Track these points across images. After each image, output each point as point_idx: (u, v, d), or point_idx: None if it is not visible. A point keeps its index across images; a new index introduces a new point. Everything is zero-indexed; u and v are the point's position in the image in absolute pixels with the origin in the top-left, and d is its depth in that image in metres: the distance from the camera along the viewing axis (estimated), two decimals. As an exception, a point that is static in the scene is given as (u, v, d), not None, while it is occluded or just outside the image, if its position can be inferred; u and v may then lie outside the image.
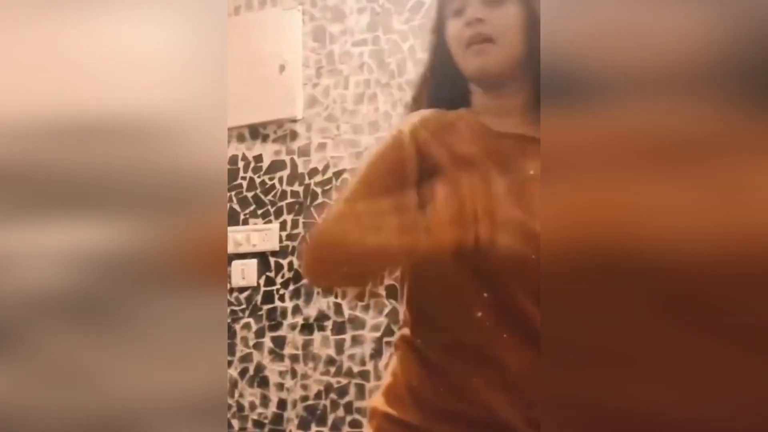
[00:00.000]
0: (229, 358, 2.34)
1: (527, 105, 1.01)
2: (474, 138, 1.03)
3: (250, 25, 2.41)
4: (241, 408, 2.29)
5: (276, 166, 2.39)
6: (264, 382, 2.29)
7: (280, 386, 2.30)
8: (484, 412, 0.97)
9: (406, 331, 1.07)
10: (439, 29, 1.06)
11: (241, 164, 2.41)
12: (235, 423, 2.32)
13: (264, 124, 2.38)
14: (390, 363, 1.09)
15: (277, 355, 2.28)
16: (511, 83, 1.02)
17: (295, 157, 2.37)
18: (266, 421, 2.29)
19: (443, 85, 1.08)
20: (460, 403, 0.99)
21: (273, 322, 2.28)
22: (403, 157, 1.02)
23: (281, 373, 2.29)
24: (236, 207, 2.43)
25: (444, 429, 1.00)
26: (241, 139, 2.42)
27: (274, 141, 2.39)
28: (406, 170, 1.02)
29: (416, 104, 1.10)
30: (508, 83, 1.02)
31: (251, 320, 2.28)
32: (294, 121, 2.38)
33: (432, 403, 1.00)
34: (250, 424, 2.29)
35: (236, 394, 2.34)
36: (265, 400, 2.29)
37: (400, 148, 1.03)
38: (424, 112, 1.06)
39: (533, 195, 0.96)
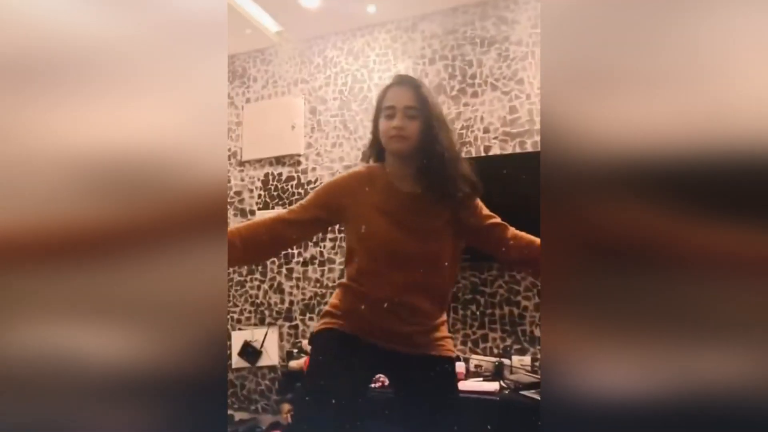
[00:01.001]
0: (262, 278, 3.33)
1: (416, 172, 1.38)
2: (386, 193, 1.36)
3: (277, 104, 3.37)
4: (269, 306, 3.31)
5: (289, 178, 3.35)
6: (281, 291, 3.29)
7: (290, 293, 3.27)
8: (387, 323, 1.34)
9: (345, 280, 1.42)
10: (376, 119, 1.41)
11: (270, 178, 3.39)
12: (266, 313, 3.30)
13: (283, 156, 3.36)
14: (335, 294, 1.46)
15: (289, 277, 3.30)
16: (410, 159, 1.38)
17: (300, 174, 3.33)
18: (283, 312, 3.28)
19: (376, 151, 1.44)
20: (380, 321, 1.35)
21: (286, 260, 3.31)
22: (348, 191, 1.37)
23: (290, 287, 3.27)
24: (268, 200, 3.37)
25: (362, 327, 1.37)
26: (271, 164, 3.38)
27: (289, 165, 3.35)
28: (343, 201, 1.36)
29: (365, 157, 1.47)
30: (407, 159, 1.38)
31: (275, 259, 3.31)
32: (299, 155, 3.33)
33: (360, 314, 1.37)
34: (274, 314, 3.30)
35: (266, 299, 3.30)
36: (282, 301, 3.29)
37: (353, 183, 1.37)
38: (366, 167, 1.41)
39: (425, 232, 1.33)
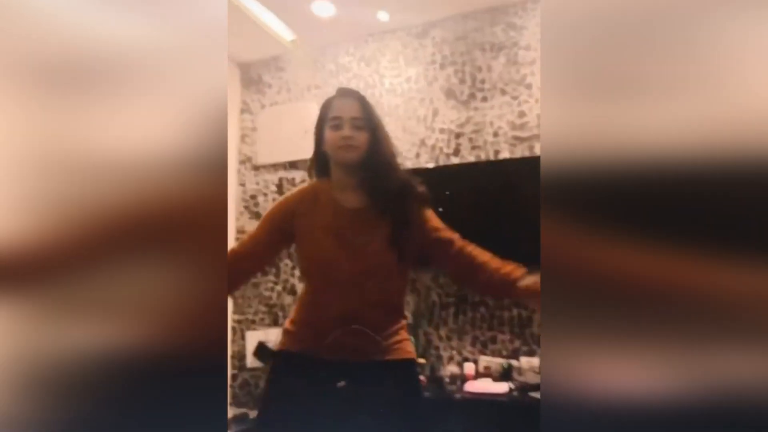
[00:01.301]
0: (276, 280, 3.44)
1: (361, 183, 1.40)
2: (330, 210, 1.39)
3: (291, 109, 3.45)
4: (282, 307, 3.42)
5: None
6: (294, 293, 3.39)
7: (303, 295, 3.45)
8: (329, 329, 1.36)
9: (302, 295, 1.47)
10: (320, 132, 1.43)
11: (284, 181, 3.48)
12: (280, 313, 3.41)
13: (296, 161, 3.45)
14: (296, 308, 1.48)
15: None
16: (356, 168, 1.40)
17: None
18: (295, 313, 3.45)
19: (320, 163, 1.47)
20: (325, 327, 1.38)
21: (300, 263, 3.47)
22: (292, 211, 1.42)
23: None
24: (282, 203, 3.46)
25: (309, 333, 1.41)
26: (285, 168, 3.49)
27: (302, 170, 3.42)
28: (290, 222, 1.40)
29: (309, 170, 1.51)
30: (354, 168, 1.40)
31: (288, 261, 3.42)
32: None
33: (314, 330, 1.40)
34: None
35: (280, 300, 3.42)
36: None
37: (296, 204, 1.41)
38: (311, 184, 1.45)
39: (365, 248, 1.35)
